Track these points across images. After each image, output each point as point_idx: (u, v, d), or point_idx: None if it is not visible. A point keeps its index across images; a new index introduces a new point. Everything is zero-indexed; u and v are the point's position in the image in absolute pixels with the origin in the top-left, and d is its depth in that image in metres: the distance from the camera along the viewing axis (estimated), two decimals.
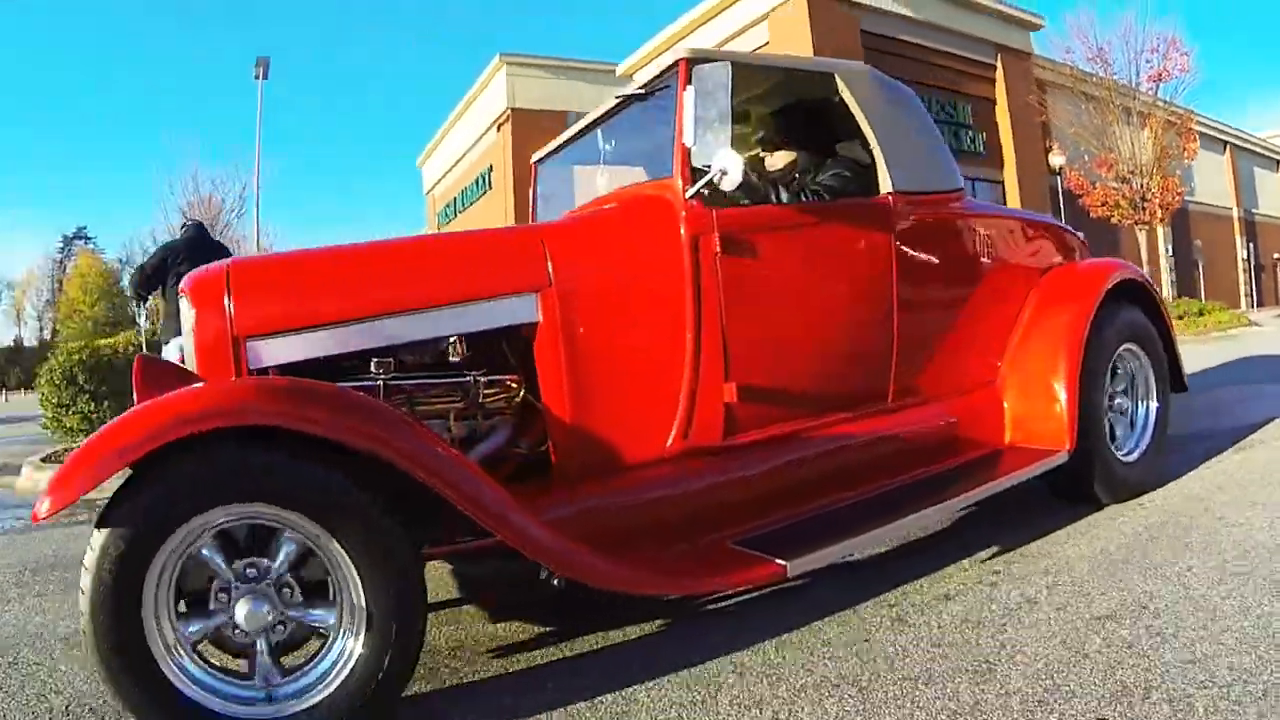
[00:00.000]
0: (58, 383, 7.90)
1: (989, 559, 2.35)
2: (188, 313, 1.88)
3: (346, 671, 1.54)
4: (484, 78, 21.64)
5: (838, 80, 2.48)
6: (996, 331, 2.83)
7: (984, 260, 2.77)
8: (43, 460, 6.62)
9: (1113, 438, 2.89)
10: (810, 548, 1.95)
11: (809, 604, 2.11)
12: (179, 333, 2.52)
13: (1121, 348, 2.93)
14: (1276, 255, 31.77)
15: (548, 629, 2.16)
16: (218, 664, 1.59)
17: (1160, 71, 17.26)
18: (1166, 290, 19.74)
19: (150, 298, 5.71)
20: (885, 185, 2.46)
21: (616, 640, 2.03)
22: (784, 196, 2.38)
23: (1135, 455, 2.94)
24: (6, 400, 38.28)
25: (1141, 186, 17.33)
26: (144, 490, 1.43)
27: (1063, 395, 2.65)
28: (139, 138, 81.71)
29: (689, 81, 2.09)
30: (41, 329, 53.89)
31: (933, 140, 2.76)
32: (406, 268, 2.03)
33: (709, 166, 2.00)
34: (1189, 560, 2.15)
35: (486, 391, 2.03)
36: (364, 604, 1.53)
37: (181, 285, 1.95)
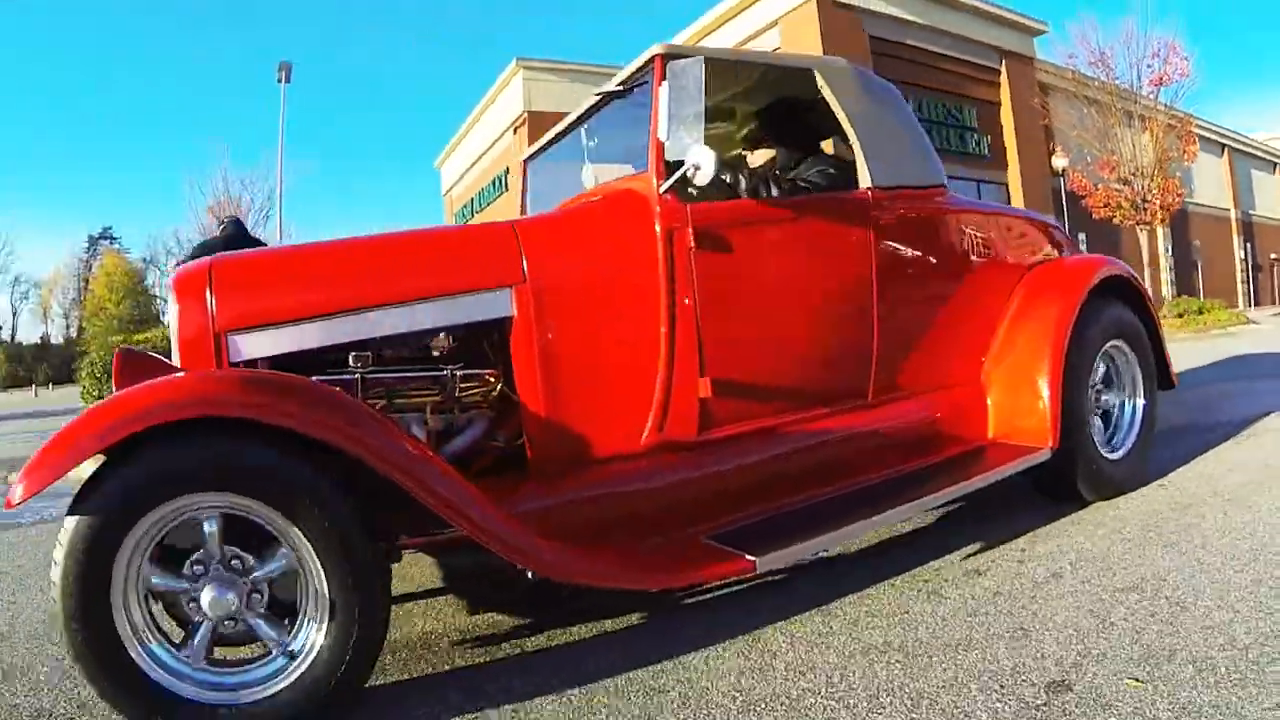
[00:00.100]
0: (98, 375, 8.56)
1: (1012, 539, 2.47)
2: (172, 307, 1.91)
3: (310, 660, 1.56)
4: (501, 81, 21.95)
5: (817, 76, 2.48)
6: (980, 327, 2.82)
7: (967, 255, 2.76)
8: None
9: (1098, 435, 2.87)
10: (782, 543, 1.95)
11: (850, 578, 2.23)
12: None
13: (1107, 344, 2.92)
14: (1273, 255, 32.09)
15: (601, 604, 2.18)
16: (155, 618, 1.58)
17: (1161, 76, 17.45)
18: (1166, 289, 19.86)
19: None
20: (864, 180, 2.46)
21: (669, 611, 2.14)
22: (767, 193, 2.39)
23: (1121, 453, 2.91)
24: (36, 395, 38.71)
25: (1143, 188, 17.51)
26: (114, 477, 1.46)
27: (1045, 392, 2.64)
28: (165, 139, 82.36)
29: (664, 77, 2.09)
30: (68, 327, 55.07)
31: (915, 135, 2.75)
32: (384, 263, 2.04)
33: (683, 161, 2.00)
34: (1201, 539, 2.27)
35: (464, 385, 2.04)
36: (327, 593, 1.55)
37: (167, 281, 1.98)
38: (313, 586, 1.57)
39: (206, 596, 1.53)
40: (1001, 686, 1.53)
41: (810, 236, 2.35)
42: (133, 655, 1.48)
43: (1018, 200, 18.24)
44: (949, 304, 2.72)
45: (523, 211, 3.25)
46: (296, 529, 1.54)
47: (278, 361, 1.90)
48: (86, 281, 52.61)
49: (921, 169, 2.68)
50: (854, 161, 2.51)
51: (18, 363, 50.85)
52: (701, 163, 1.97)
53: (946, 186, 2.76)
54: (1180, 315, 15.59)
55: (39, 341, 54.75)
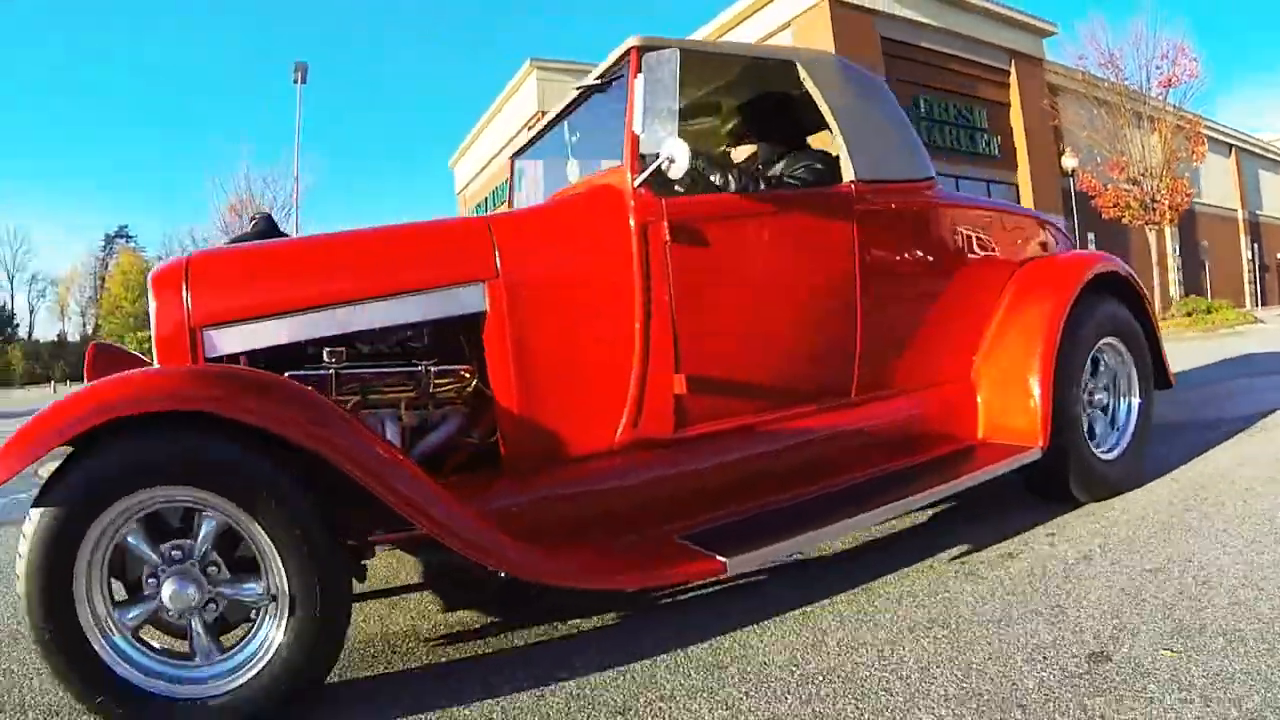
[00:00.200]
0: None
1: (1040, 526, 2.54)
2: (150, 304, 1.90)
3: (270, 654, 1.54)
4: (515, 81, 22.19)
5: (799, 69, 2.44)
6: (970, 324, 2.77)
7: (956, 251, 2.71)
8: None
9: (1092, 434, 2.82)
10: (757, 544, 1.91)
11: (889, 560, 2.32)
12: None
13: (1101, 342, 2.86)
14: None
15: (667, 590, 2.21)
16: (160, 647, 1.59)
17: (1170, 77, 17.46)
18: (1174, 289, 19.72)
19: None
20: (848, 173, 2.41)
21: (719, 592, 2.21)
22: (754, 189, 2.35)
23: (1115, 453, 2.85)
24: (55, 391, 39.58)
25: (1152, 188, 17.50)
26: (79, 469, 1.46)
27: (1036, 390, 2.59)
28: (178, 139, 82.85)
29: (640, 70, 2.07)
30: (85, 324, 55.48)
31: (901, 128, 2.70)
32: (358, 258, 2.03)
33: (658, 155, 1.98)
34: (1223, 524, 2.35)
35: (438, 381, 2.02)
36: (287, 588, 1.54)
37: (147, 278, 1.99)
38: (273, 582, 1.55)
39: (167, 596, 1.52)
40: (1045, 658, 1.61)
41: (791, 231, 2.31)
42: (95, 648, 1.48)
43: (1027, 200, 18.22)
44: (937, 300, 2.67)
45: (510, 208, 3.23)
46: (257, 524, 1.53)
47: (254, 357, 1.90)
48: (103, 280, 53.06)
49: (908, 162, 2.64)
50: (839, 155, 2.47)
51: (35, 360, 51.41)
52: (676, 156, 1.94)
53: (935, 180, 2.72)
54: (1189, 314, 15.68)
55: (56, 339, 55.31)
